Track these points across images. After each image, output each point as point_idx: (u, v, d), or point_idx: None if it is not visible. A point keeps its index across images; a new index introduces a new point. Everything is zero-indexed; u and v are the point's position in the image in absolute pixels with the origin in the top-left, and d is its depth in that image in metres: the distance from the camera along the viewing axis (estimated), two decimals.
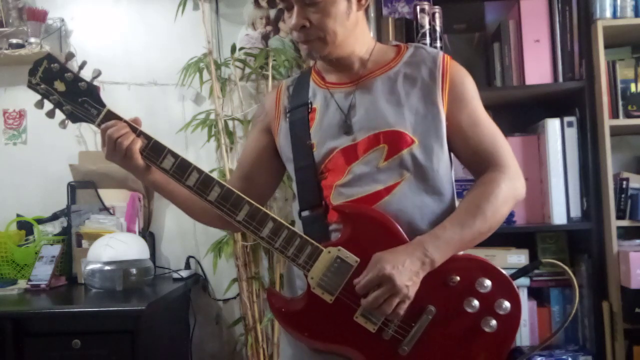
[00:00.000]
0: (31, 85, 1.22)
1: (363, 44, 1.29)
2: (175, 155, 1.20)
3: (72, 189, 2.46)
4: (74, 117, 1.22)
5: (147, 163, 1.23)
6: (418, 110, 1.22)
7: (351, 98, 1.26)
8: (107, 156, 1.23)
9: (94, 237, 2.24)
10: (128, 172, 1.27)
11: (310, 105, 1.29)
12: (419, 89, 1.24)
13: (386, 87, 1.25)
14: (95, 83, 1.23)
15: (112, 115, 1.21)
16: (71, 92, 1.21)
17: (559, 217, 2.02)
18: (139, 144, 1.20)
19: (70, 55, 1.23)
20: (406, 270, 1.10)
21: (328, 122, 1.26)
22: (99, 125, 1.21)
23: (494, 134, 1.26)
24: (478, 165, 1.26)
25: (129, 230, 2.37)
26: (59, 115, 1.24)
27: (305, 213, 1.26)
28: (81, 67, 1.23)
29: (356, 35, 1.26)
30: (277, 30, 2.57)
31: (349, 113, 1.25)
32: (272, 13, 2.58)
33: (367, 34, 1.31)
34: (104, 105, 1.22)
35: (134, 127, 1.21)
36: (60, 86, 1.21)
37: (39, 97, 1.23)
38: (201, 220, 1.41)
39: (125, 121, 1.21)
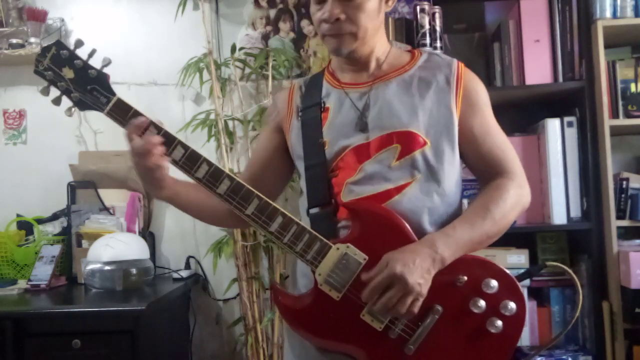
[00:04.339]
0: (38, 71, 1.20)
1: (382, 45, 1.31)
2: (184, 147, 1.20)
3: (72, 189, 2.46)
4: (82, 105, 1.20)
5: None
6: (432, 113, 1.24)
7: (366, 98, 1.27)
8: (134, 166, 1.18)
9: (94, 237, 2.24)
10: (142, 180, 1.23)
11: (323, 105, 1.30)
12: (433, 92, 1.25)
13: (401, 88, 1.26)
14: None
15: (122, 104, 1.19)
16: (80, 79, 1.19)
17: (559, 217, 2.02)
18: (165, 159, 1.17)
19: (80, 43, 1.21)
20: (417, 268, 1.10)
21: (341, 121, 1.27)
22: (108, 114, 1.19)
23: (504, 142, 1.29)
24: (486, 172, 1.28)
25: (129, 230, 2.37)
26: (65, 103, 1.22)
27: (314, 210, 1.26)
28: (90, 54, 1.21)
29: (379, 35, 1.28)
30: (277, 30, 2.57)
31: (363, 112, 1.25)
32: (272, 13, 2.58)
33: (385, 36, 1.33)
34: (113, 94, 1.20)
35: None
36: (68, 73, 1.19)
37: (44, 85, 1.21)
38: (214, 223, 1.42)
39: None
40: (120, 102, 1.20)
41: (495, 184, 1.24)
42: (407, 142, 1.21)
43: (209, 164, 1.19)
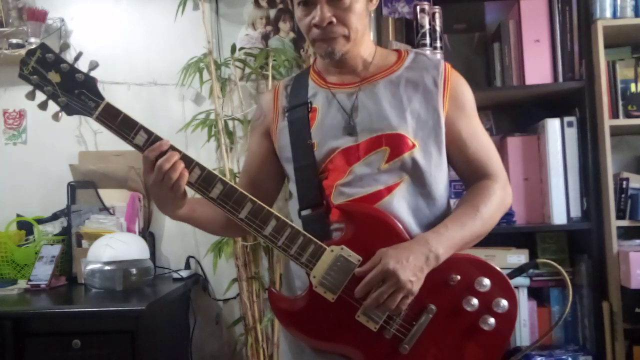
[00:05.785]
0: (23, 75, 1.18)
1: (367, 46, 1.30)
2: (177, 151, 1.18)
3: (72, 189, 2.46)
4: (69, 109, 1.18)
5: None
6: (420, 115, 1.24)
7: (354, 99, 1.26)
8: (154, 188, 1.16)
9: (94, 237, 2.24)
10: (160, 200, 1.21)
11: (310, 105, 1.29)
12: (421, 94, 1.25)
13: (389, 90, 1.26)
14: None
15: (111, 109, 1.17)
16: (67, 84, 1.17)
17: (559, 217, 2.02)
18: (186, 176, 1.16)
19: (65, 46, 1.19)
20: (410, 266, 1.10)
21: (330, 122, 1.26)
22: (97, 119, 1.17)
23: (489, 145, 1.30)
24: (472, 173, 1.29)
25: (129, 230, 2.37)
26: (52, 107, 1.20)
27: (305, 212, 1.26)
28: (77, 58, 1.19)
29: (365, 36, 1.28)
30: (277, 30, 2.57)
31: (351, 114, 1.25)
32: (272, 13, 2.58)
33: (370, 37, 1.33)
34: (102, 98, 1.18)
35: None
36: (55, 77, 1.17)
37: (30, 90, 1.19)
38: (229, 234, 1.40)
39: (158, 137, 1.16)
40: (109, 106, 1.18)
41: (482, 185, 1.26)
42: (396, 144, 1.21)
43: (202, 168, 1.19)
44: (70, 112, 1.19)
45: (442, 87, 1.25)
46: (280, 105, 1.34)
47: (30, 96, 1.19)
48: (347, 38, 1.22)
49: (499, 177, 1.27)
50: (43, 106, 1.20)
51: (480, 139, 1.29)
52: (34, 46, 2.46)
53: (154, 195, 1.20)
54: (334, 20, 1.20)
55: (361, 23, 1.23)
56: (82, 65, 1.20)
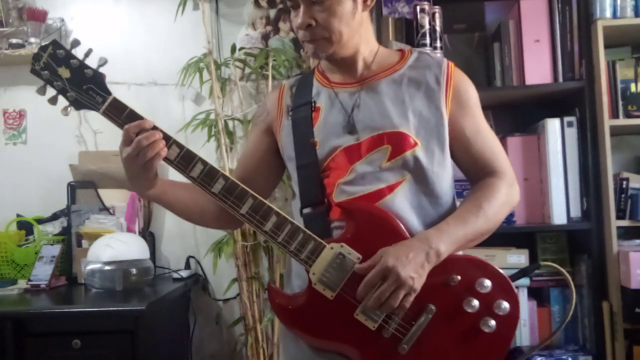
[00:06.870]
0: (35, 71, 1.20)
1: (367, 45, 1.30)
2: (180, 146, 1.20)
3: (72, 189, 2.46)
4: (78, 104, 1.21)
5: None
6: (422, 113, 1.24)
7: (356, 98, 1.27)
8: (126, 162, 1.17)
9: (94, 237, 2.24)
10: (130, 175, 1.21)
11: (313, 104, 1.30)
12: (423, 93, 1.25)
13: (391, 89, 1.26)
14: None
15: (117, 104, 1.19)
16: (76, 79, 1.20)
17: (559, 217, 2.02)
18: (161, 156, 1.17)
19: (76, 42, 1.22)
20: (410, 262, 1.10)
21: (332, 121, 1.27)
22: (103, 113, 1.19)
23: (494, 141, 1.30)
24: (478, 171, 1.29)
25: (129, 230, 2.37)
26: (61, 102, 1.22)
27: (306, 210, 1.26)
28: (87, 54, 1.22)
29: (361, 35, 1.27)
30: (277, 30, 2.57)
31: (352, 113, 1.25)
32: (272, 13, 2.58)
33: (372, 36, 1.32)
34: (109, 93, 1.20)
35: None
36: (65, 72, 1.20)
37: (40, 85, 1.22)
38: (198, 222, 1.41)
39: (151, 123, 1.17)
40: (115, 101, 1.20)
41: (487, 183, 1.25)
42: (398, 142, 1.21)
43: (204, 163, 1.20)
44: (78, 107, 1.21)
45: (445, 85, 1.25)
46: (285, 104, 1.35)
47: (41, 91, 1.23)
48: (329, 40, 1.22)
49: (505, 175, 1.27)
50: (53, 101, 1.23)
51: (485, 137, 1.28)
52: (34, 46, 2.49)
53: (125, 170, 1.20)
54: (313, 23, 1.21)
55: (347, 26, 1.22)
56: (92, 62, 1.22)
